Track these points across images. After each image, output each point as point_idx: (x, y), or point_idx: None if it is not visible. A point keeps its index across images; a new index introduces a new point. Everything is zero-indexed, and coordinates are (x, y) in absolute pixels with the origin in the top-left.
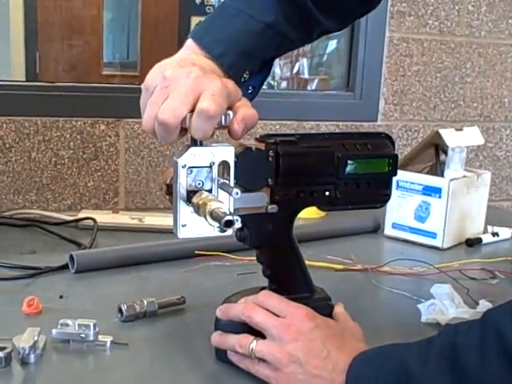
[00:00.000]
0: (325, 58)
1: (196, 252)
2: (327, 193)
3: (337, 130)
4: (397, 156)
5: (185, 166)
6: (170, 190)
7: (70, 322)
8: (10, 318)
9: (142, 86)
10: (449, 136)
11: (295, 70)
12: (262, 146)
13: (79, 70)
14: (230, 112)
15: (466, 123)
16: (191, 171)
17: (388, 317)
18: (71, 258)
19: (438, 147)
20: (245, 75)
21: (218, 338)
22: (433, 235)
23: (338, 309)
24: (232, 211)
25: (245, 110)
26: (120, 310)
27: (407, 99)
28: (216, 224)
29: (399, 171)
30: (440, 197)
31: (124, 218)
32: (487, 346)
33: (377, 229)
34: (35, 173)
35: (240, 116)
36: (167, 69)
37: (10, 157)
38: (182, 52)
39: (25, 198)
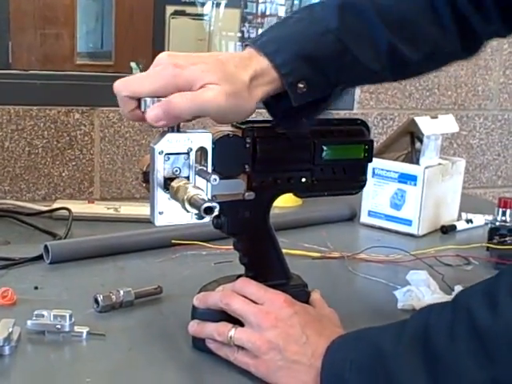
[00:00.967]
0: None
1: (173, 241)
2: (304, 179)
3: None
4: (372, 142)
5: (162, 152)
6: (146, 177)
7: (45, 312)
8: None
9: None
10: (424, 124)
11: None
12: (239, 133)
13: (53, 59)
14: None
15: (440, 111)
16: (168, 158)
17: (364, 304)
18: (46, 248)
19: (413, 135)
20: (300, 84)
21: (195, 327)
22: (408, 222)
23: (315, 295)
24: (210, 198)
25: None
26: (96, 301)
27: (383, 87)
28: (195, 211)
29: (375, 159)
30: (415, 184)
31: (99, 208)
32: (457, 325)
33: (353, 217)
34: (8, 162)
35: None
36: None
37: None
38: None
39: None
